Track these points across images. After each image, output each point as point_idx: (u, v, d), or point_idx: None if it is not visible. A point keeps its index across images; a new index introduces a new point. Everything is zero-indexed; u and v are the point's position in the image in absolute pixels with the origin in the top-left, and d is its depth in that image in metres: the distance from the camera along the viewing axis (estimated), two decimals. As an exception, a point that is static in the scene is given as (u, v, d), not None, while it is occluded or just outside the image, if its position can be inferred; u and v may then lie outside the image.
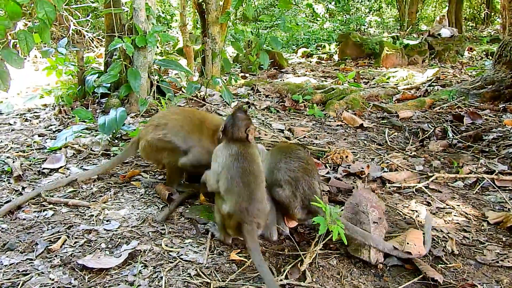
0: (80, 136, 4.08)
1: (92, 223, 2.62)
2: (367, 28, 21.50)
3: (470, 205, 3.05)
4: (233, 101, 5.63)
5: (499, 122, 5.05)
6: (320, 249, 2.36)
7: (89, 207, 2.81)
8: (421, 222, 2.79)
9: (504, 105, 5.70)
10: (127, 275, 2.11)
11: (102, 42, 11.35)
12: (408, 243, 2.32)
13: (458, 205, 3.04)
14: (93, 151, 3.85)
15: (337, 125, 5.15)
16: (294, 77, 9.29)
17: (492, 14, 21.91)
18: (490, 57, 10.90)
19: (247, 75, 9.13)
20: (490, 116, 5.33)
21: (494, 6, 21.28)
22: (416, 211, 2.94)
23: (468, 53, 12.65)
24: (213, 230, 2.51)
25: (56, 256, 2.26)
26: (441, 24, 13.35)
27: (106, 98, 5.26)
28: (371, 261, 2.28)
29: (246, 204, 2.22)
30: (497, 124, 4.94)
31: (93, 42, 12.60)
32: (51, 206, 2.81)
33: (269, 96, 6.45)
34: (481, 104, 5.86)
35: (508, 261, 2.35)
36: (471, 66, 10.48)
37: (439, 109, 5.80)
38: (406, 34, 16.73)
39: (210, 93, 5.87)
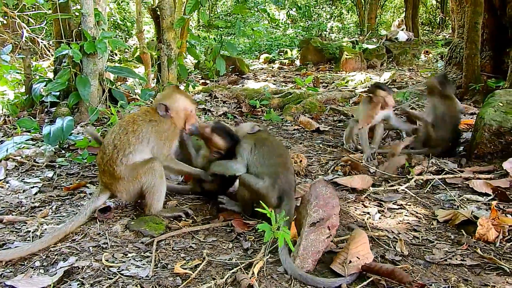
0: (24, 147, 3.87)
1: (28, 240, 2.45)
2: (328, 34, 21.81)
3: (421, 205, 3.07)
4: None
5: (451, 122, 5.14)
6: (269, 257, 2.29)
7: (26, 223, 2.64)
8: (372, 224, 2.77)
9: (456, 105, 5.83)
10: (61, 294, 1.97)
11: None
12: (350, 261, 2.20)
13: (409, 205, 3.05)
14: (36, 162, 3.66)
15: (294, 129, 5.12)
16: (255, 82, 9.25)
17: (447, 18, 22.74)
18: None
19: (207, 81, 9.02)
20: (442, 116, 5.43)
21: (448, 10, 22.10)
22: (368, 213, 2.93)
23: (425, 56, 13.02)
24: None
25: (-17, 277, 2.09)
26: (399, 29, 13.71)
27: (55, 107, 5.04)
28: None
29: None
30: (449, 124, 5.03)
31: (49, 51, 12.14)
32: (-17, 223, 2.62)
33: (226, 102, 6.37)
34: (434, 104, 5.96)
35: (456, 259, 2.35)
36: (426, 68, 10.77)
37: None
38: (366, 38, 17.08)
39: (166, 100, 5.73)
